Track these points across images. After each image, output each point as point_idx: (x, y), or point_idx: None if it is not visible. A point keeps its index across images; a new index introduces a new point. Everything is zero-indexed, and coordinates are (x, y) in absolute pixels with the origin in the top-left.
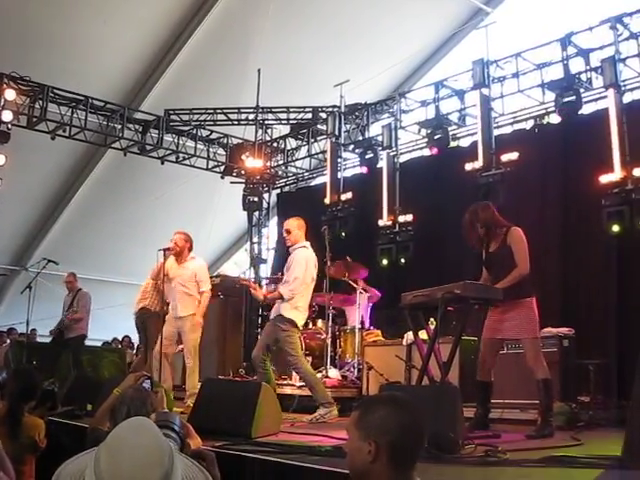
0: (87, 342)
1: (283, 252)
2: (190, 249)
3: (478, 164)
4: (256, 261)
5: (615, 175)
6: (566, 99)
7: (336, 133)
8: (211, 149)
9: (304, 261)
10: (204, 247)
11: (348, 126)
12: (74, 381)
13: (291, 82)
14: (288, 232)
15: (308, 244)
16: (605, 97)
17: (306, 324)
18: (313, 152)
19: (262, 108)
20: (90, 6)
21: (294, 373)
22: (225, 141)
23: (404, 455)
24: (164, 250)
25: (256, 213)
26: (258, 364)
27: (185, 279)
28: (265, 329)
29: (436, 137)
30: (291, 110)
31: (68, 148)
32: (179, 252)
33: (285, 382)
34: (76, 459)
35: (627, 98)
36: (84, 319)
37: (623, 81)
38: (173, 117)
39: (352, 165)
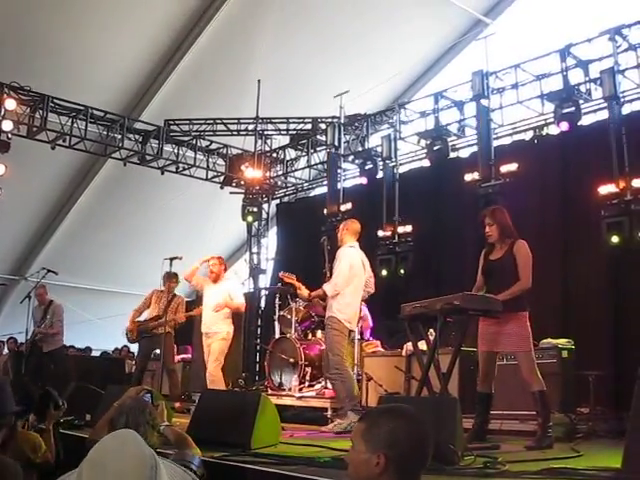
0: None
1: (283, 260)
2: (225, 270)
3: (477, 175)
4: (255, 271)
5: (614, 186)
6: (565, 110)
7: (336, 144)
8: (211, 159)
9: (348, 258)
10: (204, 256)
11: (348, 137)
12: (73, 391)
13: (291, 93)
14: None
15: (356, 245)
16: (604, 108)
17: (305, 335)
18: (313, 163)
19: (262, 119)
20: (91, 17)
21: (292, 380)
22: (225, 151)
23: (412, 467)
24: (170, 259)
25: (255, 223)
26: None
27: (218, 298)
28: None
29: (435, 148)
30: (291, 121)
31: (68, 158)
32: (217, 277)
33: (284, 393)
34: (67, 476)
35: (626, 109)
36: (60, 331)
37: (622, 92)
38: (173, 127)
39: (352, 176)
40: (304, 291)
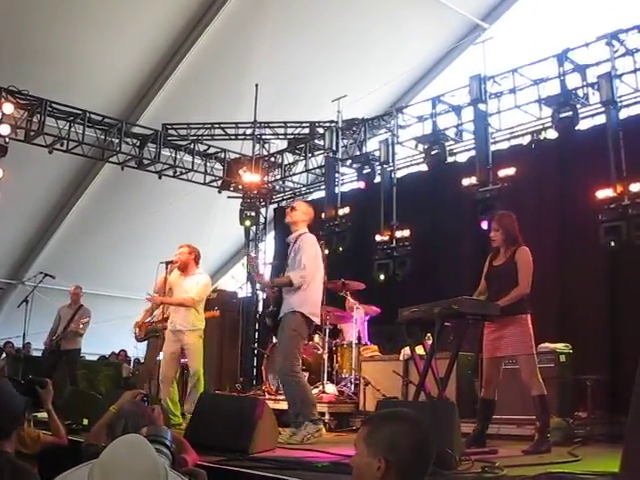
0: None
1: (281, 264)
2: (196, 261)
3: (475, 179)
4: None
5: (612, 190)
6: (563, 115)
7: (333, 148)
8: (208, 164)
9: (314, 247)
10: (202, 261)
11: (345, 141)
12: (70, 395)
13: (289, 97)
14: (293, 209)
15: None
16: (602, 113)
17: None
18: (310, 167)
19: (259, 123)
20: (89, 21)
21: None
22: (222, 156)
23: (413, 472)
24: (166, 263)
25: (253, 227)
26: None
27: (188, 292)
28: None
29: (433, 152)
30: (288, 125)
31: (65, 162)
32: (184, 266)
33: (281, 397)
34: (70, 473)
35: (623, 114)
36: (83, 333)
37: (619, 97)
38: (171, 132)
39: (349, 180)
40: (264, 279)
